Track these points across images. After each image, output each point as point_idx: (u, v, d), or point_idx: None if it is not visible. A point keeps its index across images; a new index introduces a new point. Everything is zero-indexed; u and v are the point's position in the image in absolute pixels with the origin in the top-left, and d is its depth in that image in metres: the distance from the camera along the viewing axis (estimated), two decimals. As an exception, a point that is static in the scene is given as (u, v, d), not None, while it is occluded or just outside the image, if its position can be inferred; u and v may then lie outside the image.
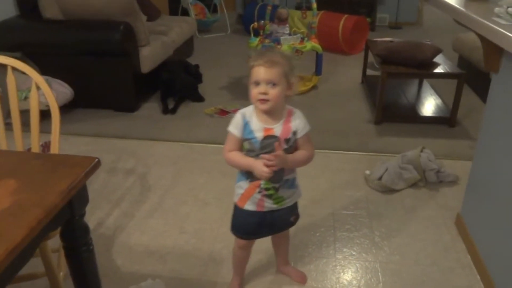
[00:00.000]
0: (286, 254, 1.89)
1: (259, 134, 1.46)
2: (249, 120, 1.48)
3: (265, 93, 1.40)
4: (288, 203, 1.62)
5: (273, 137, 1.47)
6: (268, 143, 1.46)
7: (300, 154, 1.52)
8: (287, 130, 1.48)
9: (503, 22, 1.50)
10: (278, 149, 1.43)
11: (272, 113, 1.47)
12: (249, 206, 1.59)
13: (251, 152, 1.49)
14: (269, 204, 1.58)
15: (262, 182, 1.52)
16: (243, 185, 1.58)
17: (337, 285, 1.86)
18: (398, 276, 1.90)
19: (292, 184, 1.60)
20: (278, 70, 1.40)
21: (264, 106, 1.42)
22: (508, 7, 1.49)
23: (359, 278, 1.90)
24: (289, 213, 1.67)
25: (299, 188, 1.66)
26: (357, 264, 1.98)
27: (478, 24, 1.62)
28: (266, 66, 1.39)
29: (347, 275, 1.92)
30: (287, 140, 1.48)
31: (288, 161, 1.47)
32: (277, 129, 1.47)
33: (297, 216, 1.72)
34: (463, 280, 1.88)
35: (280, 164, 1.44)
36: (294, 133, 1.49)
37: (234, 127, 1.49)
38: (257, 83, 1.41)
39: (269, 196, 1.56)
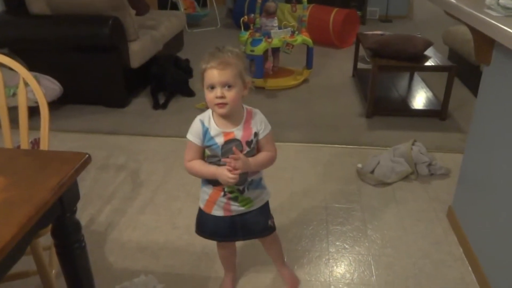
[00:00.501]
0: (280, 257, 1.82)
1: (219, 140, 1.42)
2: (208, 127, 1.42)
3: (222, 97, 1.34)
4: (256, 204, 1.57)
5: (234, 140, 1.42)
6: (230, 148, 1.41)
7: (262, 155, 1.48)
8: (248, 132, 1.43)
9: (494, 14, 1.50)
10: (237, 153, 1.38)
11: (230, 116, 1.41)
12: (216, 212, 1.55)
13: (213, 158, 1.45)
14: (236, 208, 1.54)
15: (225, 186, 1.48)
16: (207, 190, 1.54)
17: (330, 279, 1.86)
18: (390, 269, 1.91)
19: (258, 185, 1.55)
20: (232, 71, 1.34)
21: (223, 110, 1.37)
22: (499, -1, 1.50)
23: (352, 271, 1.91)
24: (262, 216, 1.61)
25: (267, 189, 1.61)
26: (350, 257, 1.98)
27: (469, 16, 1.62)
28: (220, 68, 1.33)
29: (340, 268, 1.92)
30: (248, 143, 1.44)
31: (250, 163, 1.42)
32: (237, 132, 1.42)
33: (273, 220, 1.67)
34: (455, 272, 1.89)
35: (244, 168, 1.40)
36: (255, 134, 1.45)
37: (194, 136, 1.44)
38: (212, 87, 1.35)
39: (235, 199, 1.52)
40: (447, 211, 2.23)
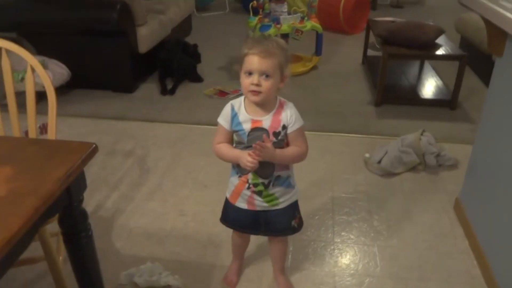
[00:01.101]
0: (281, 263, 1.77)
1: (246, 126, 1.42)
2: (237, 112, 1.43)
3: (257, 85, 1.33)
4: (282, 203, 1.54)
5: (261, 129, 1.41)
6: (256, 136, 1.41)
7: (290, 149, 1.45)
8: (276, 123, 1.42)
9: (509, 5, 1.46)
10: (267, 141, 1.37)
11: (262, 105, 1.41)
12: (240, 204, 1.55)
13: (240, 145, 1.45)
14: (259, 203, 1.52)
15: (250, 177, 1.47)
16: (234, 181, 1.54)
17: (335, 269, 1.87)
18: (395, 260, 1.91)
19: (285, 182, 1.52)
20: (273, 61, 1.32)
21: (256, 98, 1.36)
22: (514, -10, 1.46)
23: (357, 261, 1.91)
24: (286, 215, 1.58)
25: (296, 188, 1.59)
26: (355, 248, 1.99)
27: (483, 7, 1.59)
28: (261, 56, 1.31)
29: (345, 259, 1.92)
30: (276, 134, 1.42)
31: (276, 155, 1.39)
32: (266, 121, 1.41)
33: (300, 221, 1.63)
34: (460, 264, 1.89)
35: (267, 157, 1.37)
36: (284, 127, 1.42)
37: (223, 119, 1.45)
38: (250, 73, 1.34)
39: (259, 194, 1.50)
40: (454, 203, 2.22)
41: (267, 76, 1.34)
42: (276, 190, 1.51)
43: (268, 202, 1.53)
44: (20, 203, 0.99)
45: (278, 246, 1.73)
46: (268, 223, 1.58)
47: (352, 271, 1.86)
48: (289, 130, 1.43)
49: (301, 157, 1.48)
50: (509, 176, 1.67)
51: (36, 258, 1.61)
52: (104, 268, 1.51)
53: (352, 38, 5.00)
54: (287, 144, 1.46)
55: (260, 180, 1.48)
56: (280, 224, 1.60)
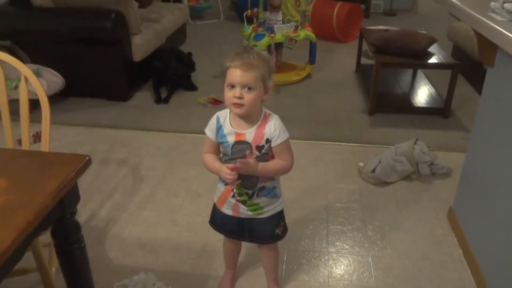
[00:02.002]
0: (274, 273, 1.77)
1: (230, 139, 1.43)
2: (222, 124, 1.44)
3: (240, 98, 1.34)
4: (267, 212, 1.55)
5: (244, 142, 1.42)
6: (239, 149, 1.42)
7: (273, 163, 1.45)
8: (259, 136, 1.42)
9: (499, 18, 1.48)
10: (249, 157, 1.38)
11: (246, 117, 1.41)
12: (226, 210, 1.57)
13: (225, 156, 1.47)
14: (244, 211, 1.54)
15: (234, 186, 1.49)
16: (220, 187, 1.56)
17: (330, 279, 1.87)
18: (390, 270, 1.91)
19: (270, 193, 1.52)
20: (255, 73, 1.33)
21: (239, 111, 1.37)
22: (504, 2, 1.48)
23: (351, 272, 1.91)
24: (270, 224, 1.58)
25: (282, 198, 1.59)
26: (350, 258, 1.99)
27: (473, 20, 1.61)
28: (243, 69, 1.32)
29: (340, 269, 1.92)
30: (259, 148, 1.42)
31: (259, 169, 1.40)
32: (249, 134, 1.41)
33: (284, 229, 1.64)
34: (454, 274, 1.89)
35: (249, 171, 1.40)
36: (267, 140, 1.42)
37: (209, 130, 1.48)
38: (232, 86, 1.35)
39: (243, 203, 1.52)
40: (447, 211, 2.23)
41: (249, 88, 1.34)
42: (260, 200, 1.52)
43: (252, 210, 1.54)
44: (13, 216, 0.99)
45: (268, 254, 1.73)
46: (252, 231, 1.60)
47: (346, 282, 1.86)
48: (273, 144, 1.43)
49: (285, 170, 1.48)
50: (501, 184, 1.68)
51: (29, 269, 1.60)
52: (97, 279, 1.51)
53: (346, 46, 5.03)
54: (272, 157, 1.47)
55: (244, 191, 1.50)
56: (264, 232, 1.61)
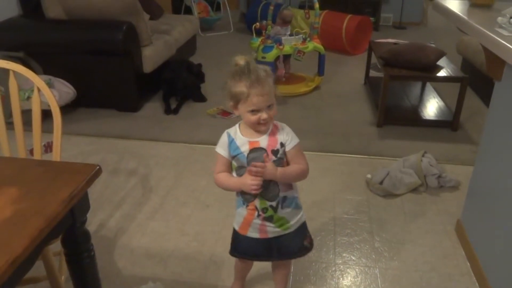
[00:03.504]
0: (283, 285, 1.77)
1: (245, 148, 1.43)
2: (234, 137, 1.46)
3: (266, 118, 1.38)
4: (293, 226, 1.54)
5: (260, 149, 1.43)
6: (255, 156, 1.43)
7: (292, 167, 1.46)
8: (273, 141, 1.44)
9: (506, 33, 1.49)
10: (266, 160, 1.40)
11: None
12: (252, 234, 1.54)
13: (241, 169, 1.46)
14: (271, 229, 1.52)
15: (257, 203, 1.47)
16: (241, 212, 1.53)
17: (337, 291, 1.87)
18: (397, 282, 1.91)
19: (292, 203, 1.52)
20: (271, 92, 1.37)
21: (266, 127, 1.42)
22: (511, 17, 1.49)
23: (358, 283, 1.91)
24: (298, 236, 1.58)
25: (302, 207, 1.59)
26: (357, 269, 1.99)
27: (480, 34, 1.62)
28: (263, 94, 1.34)
29: (346, 281, 1.92)
30: (274, 152, 1.44)
31: (278, 173, 1.41)
32: (263, 141, 1.43)
33: (311, 240, 1.64)
34: (462, 286, 1.88)
35: (269, 175, 1.40)
36: (282, 144, 1.44)
37: (221, 147, 1.47)
38: (258, 111, 1.37)
39: (270, 219, 1.50)
40: (455, 224, 2.22)
41: (271, 105, 1.39)
42: (285, 212, 1.51)
43: (279, 226, 1.52)
44: (25, 224, 1.01)
45: (283, 271, 1.74)
46: (281, 248, 1.58)
47: (353, 293, 1.86)
48: (287, 148, 1.45)
49: (303, 174, 1.48)
50: (509, 198, 1.67)
51: (39, 277, 1.62)
52: (106, 288, 1.53)
53: (355, 58, 5.06)
54: (287, 163, 1.48)
55: (268, 204, 1.48)
56: (293, 247, 1.60)
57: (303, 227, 1.60)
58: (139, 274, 1.94)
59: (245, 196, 1.49)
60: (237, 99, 1.37)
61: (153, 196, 2.51)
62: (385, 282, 1.91)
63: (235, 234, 1.60)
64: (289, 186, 1.51)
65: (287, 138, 1.45)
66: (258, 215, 1.50)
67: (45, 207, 1.07)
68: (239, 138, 1.45)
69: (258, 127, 1.41)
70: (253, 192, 1.42)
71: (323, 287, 1.89)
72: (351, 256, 2.06)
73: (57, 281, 1.58)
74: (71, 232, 1.26)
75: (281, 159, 1.46)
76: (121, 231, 2.22)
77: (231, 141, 1.46)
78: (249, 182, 1.39)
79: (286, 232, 1.54)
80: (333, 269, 1.98)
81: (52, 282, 1.58)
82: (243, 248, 1.61)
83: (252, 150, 1.44)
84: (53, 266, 1.55)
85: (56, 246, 1.58)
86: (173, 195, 2.52)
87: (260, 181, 1.40)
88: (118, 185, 2.61)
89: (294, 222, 1.55)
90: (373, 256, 2.06)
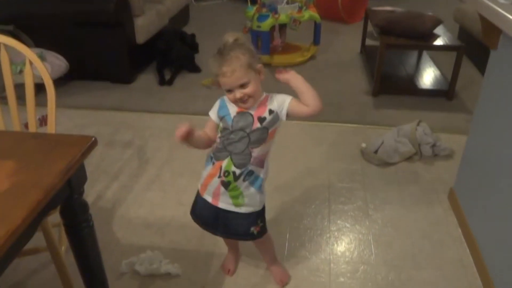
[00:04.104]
0: (269, 255, 1.80)
1: (232, 110, 1.46)
2: (227, 104, 1.49)
3: (242, 97, 1.40)
4: (244, 207, 1.53)
5: (247, 113, 1.45)
6: (241, 119, 1.45)
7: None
8: (262, 109, 1.45)
9: (502, 1, 1.48)
10: (285, 71, 1.45)
11: None
12: (206, 196, 1.57)
13: (225, 131, 1.47)
14: (224, 198, 1.52)
15: (224, 164, 1.47)
16: (207, 169, 1.54)
17: (331, 256, 1.91)
18: (390, 248, 1.95)
19: (255, 182, 1.50)
20: (242, 70, 1.37)
21: (248, 104, 1.42)
22: (506, -16, 1.48)
23: (352, 249, 1.95)
24: (246, 220, 1.57)
25: (264, 198, 1.57)
26: (351, 236, 2.03)
27: (477, 2, 1.61)
28: (229, 76, 1.36)
29: (341, 247, 1.97)
30: (260, 119, 1.44)
31: (302, 80, 1.47)
32: (251, 109, 1.45)
33: (262, 230, 1.61)
34: (453, 252, 1.93)
35: (293, 77, 1.46)
36: (270, 111, 1.45)
37: (212, 111, 1.52)
38: (230, 90, 1.41)
39: (226, 185, 1.49)
40: (448, 192, 2.25)
41: (244, 84, 1.39)
42: (243, 188, 1.50)
43: (232, 197, 1.52)
44: (23, 196, 1.03)
45: (260, 247, 1.76)
46: (226, 225, 1.58)
47: (347, 259, 1.90)
48: (285, 107, 1.45)
49: (319, 101, 1.48)
50: (501, 166, 1.70)
51: (39, 248, 1.64)
52: (106, 257, 1.55)
53: (351, 27, 5.00)
54: (271, 135, 1.47)
55: (233, 169, 1.47)
56: (238, 228, 1.59)
57: (256, 215, 1.58)
58: (138, 243, 1.98)
59: (216, 154, 1.50)
60: (215, 77, 1.41)
61: (149, 167, 2.53)
62: (378, 248, 1.95)
63: (197, 193, 1.64)
64: (260, 164, 1.50)
65: (277, 104, 1.46)
66: (219, 176, 1.49)
67: (42, 179, 1.08)
68: (231, 106, 1.47)
69: (241, 105, 1.43)
70: (177, 135, 1.45)
71: (318, 253, 1.93)
72: (345, 223, 2.10)
73: (57, 251, 1.60)
74: (69, 203, 1.27)
75: (266, 129, 1.45)
76: (119, 202, 2.24)
77: (223, 106, 1.49)
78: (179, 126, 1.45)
79: (236, 210, 1.54)
80: (328, 235, 2.03)
81: (52, 252, 1.60)
82: (199, 210, 1.64)
83: (239, 113, 1.46)
84: (52, 237, 1.57)
85: (55, 218, 1.61)
86: (169, 166, 2.53)
87: (184, 131, 1.44)
88: (114, 157, 2.63)
89: (247, 202, 1.53)
90: (367, 223, 2.10)
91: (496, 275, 1.68)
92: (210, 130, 1.54)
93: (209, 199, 1.56)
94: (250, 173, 1.49)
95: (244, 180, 1.49)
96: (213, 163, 1.52)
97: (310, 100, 1.46)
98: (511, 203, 1.59)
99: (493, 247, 1.74)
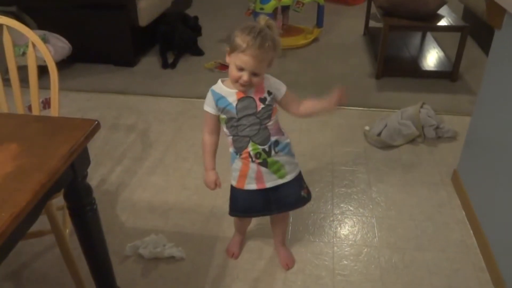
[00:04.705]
0: (282, 235, 1.82)
1: (232, 98, 1.45)
2: (219, 92, 1.47)
3: (247, 81, 1.39)
4: (289, 174, 1.56)
5: (248, 97, 1.45)
6: (244, 105, 1.45)
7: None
8: (260, 90, 1.46)
9: (507, -21, 1.46)
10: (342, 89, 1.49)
11: None
12: (249, 185, 1.56)
13: (231, 120, 1.48)
14: (268, 176, 1.54)
15: (250, 149, 1.49)
16: (237, 165, 1.56)
17: (334, 239, 1.92)
18: (393, 231, 1.96)
19: (285, 148, 1.54)
20: (264, 63, 1.39)
21: (243, 89, 1.43)
22: (513, -38, 1.45)
23: (355, 232, 1.96)
24: (295, 187, 1.61)
25: (296, 158, 1.61)
26: (354, 219, 2.03)
27: (482, -20, 1.58)
28: (256, 60, 1.36)
29: (344, 230, 1.97)
30: (262, 99, 1.46)
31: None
32: (250, 92, 1.45)
33: (308, 191, 1.67)
34: (457, 234, 1.93)
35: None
36: (269, 92, 1.47)
37: (207, 105, 1.50)
38: (241, 69, 1.38)
39: (264, 164, 1.51)
40: (452, 174, 2.25)
41: (256, 74, 1.39)
42: (279, 158, 1.53)
43: (275, 172, 1.54)
44: (27, 179, 1.03)
45: (281, 223, 1.79)
46: (279, 199, 1.61)
47: (350, 242, 1.91)
48: (279, 95, 1.50)
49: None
50: (505, 148, 1.69)
51: (44, 231, 1.65)
52: (110, 241, 1.56)
53: (354, 9, 4.95)
54: (274, 111, 1.50)
55: (261, 148, 1.50)
56: (291, 197, 1.62)
57: (299, 177, 1.63)
58: (142, 227, 1.99)
59: (237, 146, 1.52)
60: (233, 48, 1.38)
61: (153, 151, 2.53)
62: (381, 231, 1.96)
63: (233, 191, 1.63)
64: (279, 131, 1.54)
65: (275, 85, 1.49)
66: (253, 162, 1.52)
67: (46, 162, 1.08)
68: (225, 91, 1.47)
69: (236, 85, 1.43)
70: (208, 186, 1.59)
71: (321, 236, 1.94)
72: (349, 207, 2.11)
73: (62, 234, 1.61)
74: (73, 186, 1.28)
75: (269, 106, 1.48)
76: (123, 186, 2.25)
77: (218, 97, 1.47)
78: (209, 182, 1.58)
79: (283, 181, 1.57)
80: (331, 219, 2.03)
81: (57, 235, 1.61)
82: (242, 205, 1.64)
83: (240, 100, 1.45)
84: (57, 220, 1.58)
85: (59, 201, 1.62)
86: (173, 149, 2.54)
87: (216, 186, 1.58)
88: (118, 141, 2.63)
89: (290, 169, 1.57)
90: (370, 206, 2.10)
91: (499, 256, 1.69)
92: (214, 124, 1.53)
93: (253, 187, 1.57)
94: (276, 143, 1.52)
95: (276, 152, 1.52)
96: (240, 155, 1.53)
97: (308, 112, 1.57)
98: (515, 185, 1.59)
99: (496, 229, 1.74)
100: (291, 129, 2.62)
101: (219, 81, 1.50)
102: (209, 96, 1.50)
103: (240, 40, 1.36)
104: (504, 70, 1.74)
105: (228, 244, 1.88)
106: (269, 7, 3.62)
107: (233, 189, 1.63)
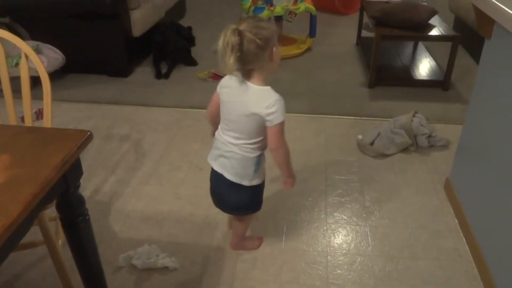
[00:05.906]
0: (237, 236, 1.90)
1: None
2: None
3: None
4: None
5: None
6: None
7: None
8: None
9: (495, -10, 1.48)
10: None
11: None
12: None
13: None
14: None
15: None
16: (264, 163, 1.69)
17: (328, 249, 1.92)
18: (387, 240, 1.96)
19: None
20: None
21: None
22: (501, -27, 1.47)
23: (349, 241, 1.96)
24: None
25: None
26: (348, 228, 2.04)
27: (470, -9, 1.60)
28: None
29: (338, 239, 1.98)
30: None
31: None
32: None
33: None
34: (450, 242, 1.94)
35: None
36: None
37: (284, 115, 1.55)
38: None
39: None
40: (444, 182, 2.26)
41: None
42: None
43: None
44: (19, 189, 1.03)
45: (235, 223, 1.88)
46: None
47: (344, 251, 1.91)
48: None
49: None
50: (496, 156, 1.71)
51: (36, 242, 1.65)
52: (103, 251, 1.56)
53: (346, 19, 4.99)
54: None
55: None
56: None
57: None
58: (135, 237, 1.98)
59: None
60: (275, 41, 1.56)
61: (146, 161, 2.53)
62: (375, 239, 1.96)
63: (262, 187, 1.75)
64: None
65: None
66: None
67: (38, 173, 1.08)
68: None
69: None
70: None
71: (315, 245, 1.94)
72: (342, 216, 2.11)
73: (54, 245, 1.60)
74: (65, 197, 1.27)
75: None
76: (116, 196, 2.24)
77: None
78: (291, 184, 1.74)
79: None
80: (325, 228, 2.03)
81: (49, 246, 1.60)
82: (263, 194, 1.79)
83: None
84: (49, 231, 1.57)
85: (52, 212, 1.61)
86: (167, 159, 2.53)
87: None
88: (111, 151, 2.62)
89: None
90: (364, 215, 2.11)
91: (492, 264, 1.70)
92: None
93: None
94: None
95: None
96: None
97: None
98: (507, 192, 1.60)
99: (489, 237, 1.75)
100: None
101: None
102: (283, 104, 1.53)
103: (273, 35, 1.55)
104: (494, 79, 1.76)
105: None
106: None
107: (261, 186, 1.74)
